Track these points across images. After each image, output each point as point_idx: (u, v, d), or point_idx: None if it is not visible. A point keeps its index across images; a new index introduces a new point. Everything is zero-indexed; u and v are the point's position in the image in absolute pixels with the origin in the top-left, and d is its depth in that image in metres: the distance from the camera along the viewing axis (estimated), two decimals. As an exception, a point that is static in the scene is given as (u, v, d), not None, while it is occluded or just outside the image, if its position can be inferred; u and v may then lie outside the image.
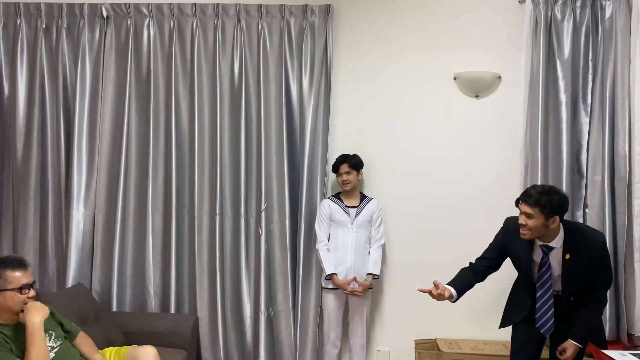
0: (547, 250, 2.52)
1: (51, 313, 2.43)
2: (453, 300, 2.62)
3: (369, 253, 3.46)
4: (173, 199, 3.60)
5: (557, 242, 2.49)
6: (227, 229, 3.61)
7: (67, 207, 3.60)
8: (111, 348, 2.67)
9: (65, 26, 3.63)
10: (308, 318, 3.55)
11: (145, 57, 3.63)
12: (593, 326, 2.55)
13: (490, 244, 2.77)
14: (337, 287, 3.38)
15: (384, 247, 3.52)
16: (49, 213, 3.64)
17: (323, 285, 3.48)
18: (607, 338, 3.08)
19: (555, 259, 2.52)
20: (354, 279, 3.35)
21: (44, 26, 3.63)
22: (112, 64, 3.63)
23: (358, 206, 3.47)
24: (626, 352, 2.52)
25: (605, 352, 2.55)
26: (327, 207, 3.46)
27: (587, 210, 3.34)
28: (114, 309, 3.56)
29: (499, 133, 3.57)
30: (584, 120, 3.40)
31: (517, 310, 2.71)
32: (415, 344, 3.52)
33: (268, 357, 3.60)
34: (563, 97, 3.39)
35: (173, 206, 3.60)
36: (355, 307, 3.47)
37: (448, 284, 2.66)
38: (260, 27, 3.59)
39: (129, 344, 2.83)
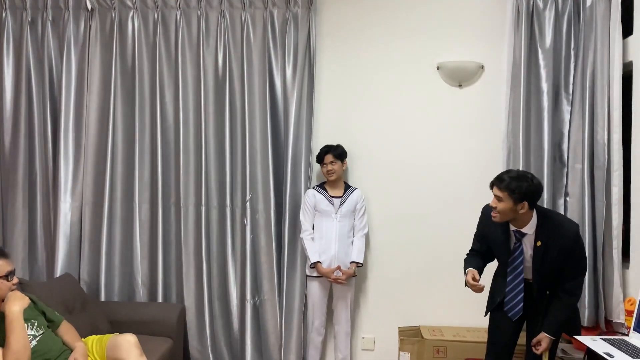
0: (519, 236, 2.56)
1: (33, 302, 2.48)
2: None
3: (352, 242, 3.50)
4: (159, 189, 3.64)
5: (530, 229, 2.52)
6: (213, 219, 3.65)
7: (55, 198, 3.65)
8: (94, 336, 2.71)
9: (50, 19, 3.65)
10: (293, 306, 3.59)
11: (130, 48, 3.66)
12: (565, 321, 2.55)
13: (474, 234, 2.83)
14: (321, 275, 3.42)
15: (367, 236, 3.56)
16: (37, 204, 3.69)
17: (308, 273, 3.53)
18: (586, 324, 3.14)
19: (528, 245, 2.55)
20: (338, 268, 3.39)
21: (29, 19, 3.65)
22: (97, 55, 3.65)
23: (342, 196, 3.50)
24: (597, 337, 2.56)
25: (577, 337, 2.60)
26: (311, 197, 3.50)
27: (567, 199, 3.36)
28: (102, 298, 3.62)
29: (482, 122, 3.59)
30: (566, 108, 3.41)
31: (493, 297, 2.76)
32: (399, 331, 3.56)
33: (254, 345, 3.65)
34: (545, 86, 3.41)
35: (159, 197, 3.64)
36: (340, 295, 3.52)
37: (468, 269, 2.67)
38: (243, 18, 3.60)
39: (115, 332, 2.87)
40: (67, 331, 2.60)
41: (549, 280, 2.56)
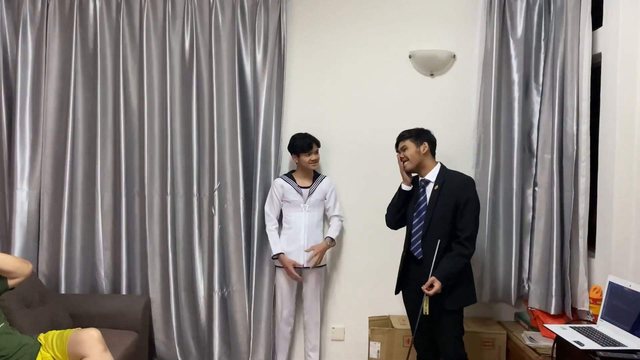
0: (424, 184, 2.90)
1: None
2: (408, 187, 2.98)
3: (322, 231, 3.48)
4: (122, 177, 3.50)
5: (432, 176, 2.88)
6: (180, 208, 3.55)
7: (11, 186, 3.47)
8: (54, 331, 2.58)
9: (4, -4, 3.45)
10: (262, 297, 3.53)
11: (92, 30, 3.49)
12: (454, 273, 2.73)
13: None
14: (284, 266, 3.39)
15: (342, 220, 3.55)
16: (-9, 193, 3.50)
17: (275, 263, 3.47)
18: (553, 312, 3.19)
19: (429, 193, 2.86)
20: (306, 251, 3.38)
21: (-19, -4, 3.44)
22: (56, 37, 3.47)
23: (310, 186, 3.45)
24: (567, 326, 2.60)
25: (547, 325, 2.63)
26: (279, 187, 3.43)
27: (536, 189, 3.40)
28: (62, 291, 3.48)
29: (454, 111, 3.59)
30: (536, 99, 3.44)
31: (399, 269, 2.99)
32: (369, 320, 3.55)
33: (222, 337, 3.58)
34: (515, 76, 3.43)
35: (122, 185, 3.51)
36: (309, 285, 3.48)
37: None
38: (212, 1, 3.48)
39: (77, 327, 2.76)
40: None
41: (440, 223, 2.77)
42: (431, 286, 2.69)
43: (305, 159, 3.41)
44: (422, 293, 2.78)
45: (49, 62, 3.47)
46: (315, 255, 3.37)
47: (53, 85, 3.48)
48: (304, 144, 3.40)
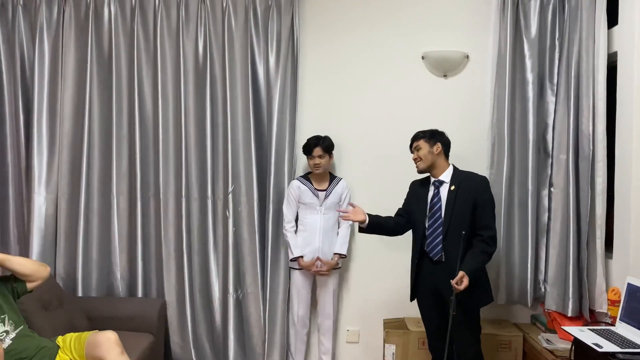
0: (438, 184, 2.89)
1: None
2: (363, 225, 2.94)
3: (337, 233, 3.45)
4: (138, 181, 3.53)
5: (446, 177, 2.89)
6: (194, 211, 3.56)
7: (29, 190, 3.51)
8: (72, 334, 2.61)
9: (21, 3, 3.51)
10: (277, 299, 3.54)
11: (107, 35, 3.53)
12: (479, 269, 2.75)
13: (403, 207, 3.10)
14: (302, 269, 3.39)
15: (352, 227, 3.51)
16: (9, 197, 3.56)
17: (290, 265, 3.48)
18: (570, 314, 3.16)
19: (445, 194, 2.86)
20: (318, 259, 3.36)
21: (-1, 3, 3.50)
22: (72, 42, 3.52)
23: (327, 189, 3.45)
24: (585, 328, 2.57)
25: (565, 328, 2.61)
26: (296, 189, 3.44)
27: (552, 189, 3.37)
28: (80, 294, 3.51)
29: (467, 113, 3.57)
30: (550, 99, 3.41)
31: (411, 275, 2.97)
32: (384, 323, 3.54)
33: (237, 339, 3.59)
34: (530, 76, 3.40)
35: (138, 188, 3.53)
36: (323, 287, 3.47)
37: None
38: (225, 5, 3.50)
39: (94, 329, 2.78)
40: None
41: (460, 223, 2.75)
42: (460, 282, 2.62)
43: (309, 162, 3.42)
44: (438, 294, 2.76)
45: (65, 67, 3.51)
46: (325, 269, 3.36)
47: (69, 90, 3.52)
48: (306, 146, 3.41)
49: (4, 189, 3.54)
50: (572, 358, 2.58)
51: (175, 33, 3.51)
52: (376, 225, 2.97)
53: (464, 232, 2.69)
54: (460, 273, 2.63)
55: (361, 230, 2.99)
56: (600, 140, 3.09)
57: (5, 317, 2.37)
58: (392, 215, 3.08)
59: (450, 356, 2.87)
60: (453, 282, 2.62)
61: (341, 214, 3.07)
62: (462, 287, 2.62)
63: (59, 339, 2.57)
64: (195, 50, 3.53)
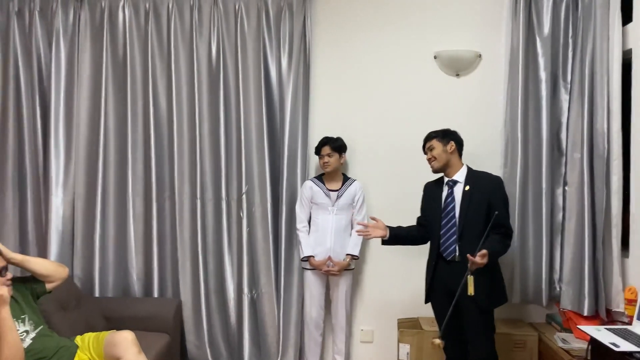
0: (452, 184, 2.89)
1: (15, 292, 2.41)
2: (385, 238, 2.98)
3: (350, 235, 3.46)
4: (153, 182, 3.57)
5: (460, 176, 2.89)
6: (209, 212, 3.60)
7: (46, 192, 3.57)
8: (90, 333, 2.64)
9: (38, 9, 3.57)
10: (291, 299, 3.56)
11: (121, 39, 3.58)
12: (499, 253, 2.76)
13: (421, 212, 3.10)
14: (314, 268, 3.39)
15: None
16: (27, 199, 3.61)
17: (302, 265, 3.49)
18: (586, 314, 3.13)
19: (459, 194, 2.85)
20: (329, 259, 3.36)
21: (16, 9, 3.57)
22: (87, 46, 3.57)
23: (339, 189, 3.46)
24: (601, 327, 2.55)
25: (581, 327, 2.59)
26: (308, 189, 3.46)
27: (566, 188, 3.35)
28: (97, 294, 3.56)
29: (480, 112, 3.56)
30: (564, 97, 3.39)
31: (426, 277, 2.97)
32: (398, 322, 3.54)
33: (252, 339, 3.62)
34: (543, 75, 3.39)
35: (153, 190, 3.57)
36: (335, 288, 3.48)
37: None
38: (237, 7, 3.53)
39: (111, 329, 2.81)
40: None
41: (475, 223, 2.75)
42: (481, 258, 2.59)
43: (320, 161, 3.44)
44: (452, 295, 2.76)
45: (81, 71, 3.56)
46: (336, 269, 3.37)
47: (85, 94, 3.57)
48: (316, 148, 3.45)
49: (22, 191, 3.60)
50: (589, 358, 2.57)
51: (189, 36, 3.55)
52: (399, 238, 3.02)
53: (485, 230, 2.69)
54: (483, 251, 2.59)
55: (384, 242, 3.01)
56: (616, 138, 3.06)
57: (25, 317, 2.41)
58: (412, 221, 3.09)
59: (456, 354, 2.92)
60: (470, 257, 2.57)
61: (359, 228, 3.05)
62: (484, 260, 2.57)
63: (78, 339, 2.61)
64: (209, 53, 3.56)
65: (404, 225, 3.10)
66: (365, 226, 2.98)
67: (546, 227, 3.36)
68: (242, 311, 3.60)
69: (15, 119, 3.57)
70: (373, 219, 3.01)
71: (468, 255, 2.59)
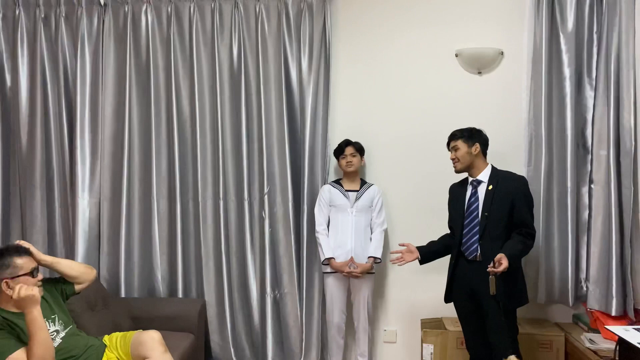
0: (476, 184, 2.89)
1: (42, 297, 2.46)
2: (420, 262, 3.04)
3: (370, 238, 3.44)
4: (177, 184, 3.62)
5: (484, 176, 2.88)
6: (232, 212, 3.63)
7: (73, 195, 3.64)
8: (117, 333, 2.70)
9: (63, 15, 3.64)
10: (313, 299, 3.57)
11: (144, 43, 3.63)
12: (518, 257, 2.74)
13: (448, 216, 3.08)
14: (336, 271, 3.39)
15: (386, 232, 3.51)
16: (55, 202, 3.69)
17: (323, 270, 3.48)
18: (613, 314, 3.08)
19: (483, 193, 2.84)
20: (351, 260, 3.35)
21: (42, 16, 3.64)
22: (112, 51, 3.64)
23: (358, 190, 3.46)
24: (630, 327, 2.51)
25: (609, 327, 2.55)
26: (327, 192, 3.46)
27: (592, 186, 3.30)
28: (123, 294, 3.62)
29: (503, 110, 3.52)
30: (589, 94, 3.34)
31: (448, 275, 2.98)
32: (422, 322, 3.53)
33: (275, 338, 3.64)
34: (567, 71, 3.33)
35: (177, 191, 3.62)
36: (357, 293, 3.45)
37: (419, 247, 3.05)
38: (257, 9, 3.55)
39: (137, 329, 2.87)
40: None
41: (498, 223, 2.76)
42: (499, 264, 2.58)
43: (341, 161, 3.44)
44: (474, 295, 2.74)
45: (105, 75, 3.63)
46: (358, 270, 3.34)
47: (109, 98, 3.64)
48: (339, 147, 3.45)
49: (50, 194, 3.69)
50: (617, 358, 2.52)
51: (210, 39, 3.59)
52: (433, 253, 3.04)
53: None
54: (500, 254, 2.59)
55: (422, 263, 3.05)
56: (643, 135, 3.01)
57: (55, 317, 2.47)
58: (435, 223, 3.13)
59: (480, 355, 2.91)
60: (490, 267, 2.59)
61: (393, 257, 3.05)
62: (500, 268, 2.56)
63: (106, 338, 2.67)
64: (230, 56, 3.60)
65: (436, 238, 3.12)
66: (398, 253, 3.00)
67: (572, 225, 3.31)
68: (265, 311, 3.63)
69: (43, 124, 3.65)
70: (402, 245, 3.02)
71: (489, 268, 2.59)
